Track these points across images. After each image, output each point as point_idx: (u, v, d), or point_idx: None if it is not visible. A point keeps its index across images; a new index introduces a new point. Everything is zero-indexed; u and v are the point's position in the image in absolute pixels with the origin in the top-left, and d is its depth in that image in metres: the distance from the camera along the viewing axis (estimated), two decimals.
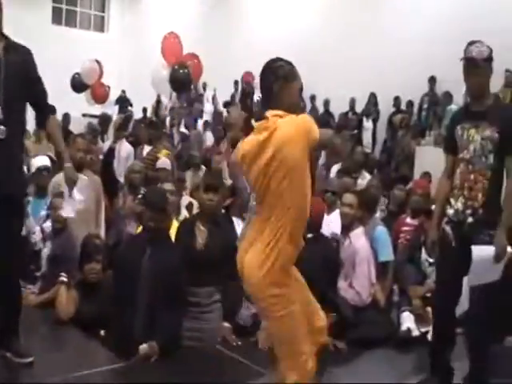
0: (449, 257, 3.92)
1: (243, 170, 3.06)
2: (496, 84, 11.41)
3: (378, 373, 4.29)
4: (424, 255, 5.40)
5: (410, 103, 13.06)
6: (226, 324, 4.49)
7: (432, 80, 12.69)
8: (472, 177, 3.78)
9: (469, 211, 3.80)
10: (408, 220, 6.37)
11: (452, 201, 3.90)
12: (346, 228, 5.28)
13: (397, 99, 13.15)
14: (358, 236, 5.23)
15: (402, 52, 13.05)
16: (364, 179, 7.91)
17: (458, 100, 11.36)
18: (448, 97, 11.91)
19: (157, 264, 4.17)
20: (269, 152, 2.85)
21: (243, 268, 2.98)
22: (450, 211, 3.90)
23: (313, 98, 14.64)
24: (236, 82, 16.38)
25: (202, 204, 4.68)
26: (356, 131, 12.73)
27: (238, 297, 4.63)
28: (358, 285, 5.03)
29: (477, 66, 3.74)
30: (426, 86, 12.80)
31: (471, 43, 3.79)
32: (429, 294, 4.96)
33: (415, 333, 4.86)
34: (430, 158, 10.64)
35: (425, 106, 12.78)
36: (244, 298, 4.69)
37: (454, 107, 10.67)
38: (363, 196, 5.66)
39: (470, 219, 3.80)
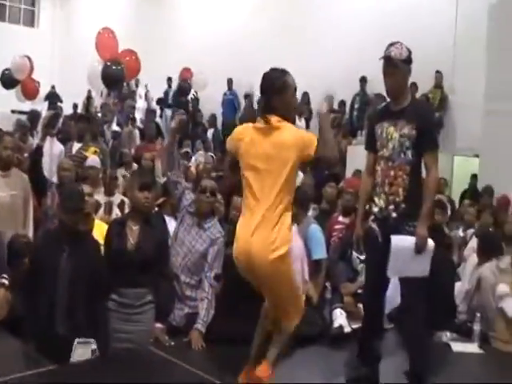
0: (376, 253, 4.02)
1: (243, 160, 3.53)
2: (427, 85, 11.81)
3: (312, 369, 4.32)
4: (355, 253, 5.49)
5: (343, 103, 13.24)
6: (159, 324, 4.43)
7: (363, 80, 12.90)
8: (392, 173, 3.91)
9: (391, 207, 3.91)
10: (340, 218, 6.45)
11: (376, 199, 4.02)
12: None
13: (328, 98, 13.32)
14: (292, 233, 5.24)
15: (334, 51, 13.23)
16: (297, 177, 7.95)
17: None
18: (380, 97, 12.00)
19: (75, 264, 4.07)
20: (272, 149, 3.42)
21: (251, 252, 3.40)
22: (375, 209, 4.02)
23: (247, 96, 14.64)
24: (169, 79, 16.23)
25: (135, 203, 4.58)
26: None
27: (171, 297, 4.60)
28: None
29: (395, 67, 3.86)
30: (358, 85, 13.01)
31: (392, 44, 3.92)
32: (360, 291, 5.04)
33: (347, 329, 4.91)
34: (361, 158, 10.79)
35: (356, 105, 12.99)
36: (177, 299, 4.66)
37: None
38: (297, 194, 5.67)
39: (393, 214, 3.91)
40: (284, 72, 3.55)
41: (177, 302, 4.66)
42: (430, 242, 3.82)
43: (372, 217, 4.06)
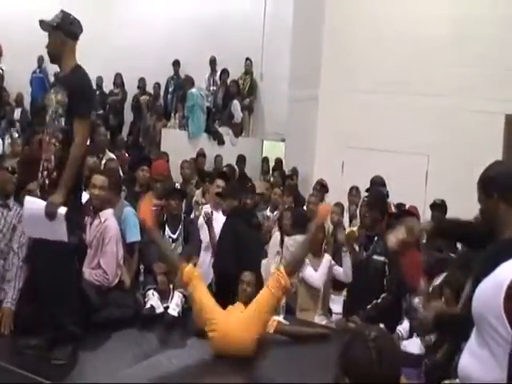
0: None
1: None
2: (237, 72, 12.23)
3: (123, 352, 4.33)
4: (168, 232, 5.58)
5: (158, 85, 13.20)
6: None
7: (176, 64, 12.97)
8: (47, 139, 4.04)
9: (45, 173, 4.03)
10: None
11: None
12: (98, 209, 5.22)
13: (142, 80, 13.20)
14: (108, 215, 5.20)
15: (147, 34, 13.18)
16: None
17: (201, 84, 11.89)
18: (189, 80, 12.13)
19: None
20: None
21: None
22: None
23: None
24: None
25: None
26: (101, 111, 12.54)
27: None
28: (106, 262, 5.01)
29: (45, 30, 4.17)
30: (171, 69, 13.09)
31: None
32: None
33: (159, 310, 5.01)
34: (175, 140, 10.97)
35: (170, 89, 13.05)
36: None
37: (194, 91, 11.08)
38: (110, 177, 5.65)
39: (46, 181, 4.02)
40: None
41: None
42: (61, 210, 3.88)
43: None
